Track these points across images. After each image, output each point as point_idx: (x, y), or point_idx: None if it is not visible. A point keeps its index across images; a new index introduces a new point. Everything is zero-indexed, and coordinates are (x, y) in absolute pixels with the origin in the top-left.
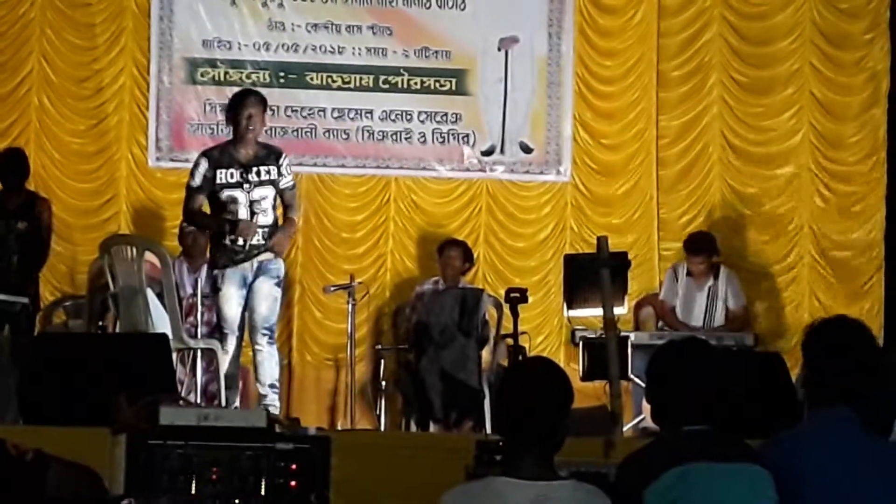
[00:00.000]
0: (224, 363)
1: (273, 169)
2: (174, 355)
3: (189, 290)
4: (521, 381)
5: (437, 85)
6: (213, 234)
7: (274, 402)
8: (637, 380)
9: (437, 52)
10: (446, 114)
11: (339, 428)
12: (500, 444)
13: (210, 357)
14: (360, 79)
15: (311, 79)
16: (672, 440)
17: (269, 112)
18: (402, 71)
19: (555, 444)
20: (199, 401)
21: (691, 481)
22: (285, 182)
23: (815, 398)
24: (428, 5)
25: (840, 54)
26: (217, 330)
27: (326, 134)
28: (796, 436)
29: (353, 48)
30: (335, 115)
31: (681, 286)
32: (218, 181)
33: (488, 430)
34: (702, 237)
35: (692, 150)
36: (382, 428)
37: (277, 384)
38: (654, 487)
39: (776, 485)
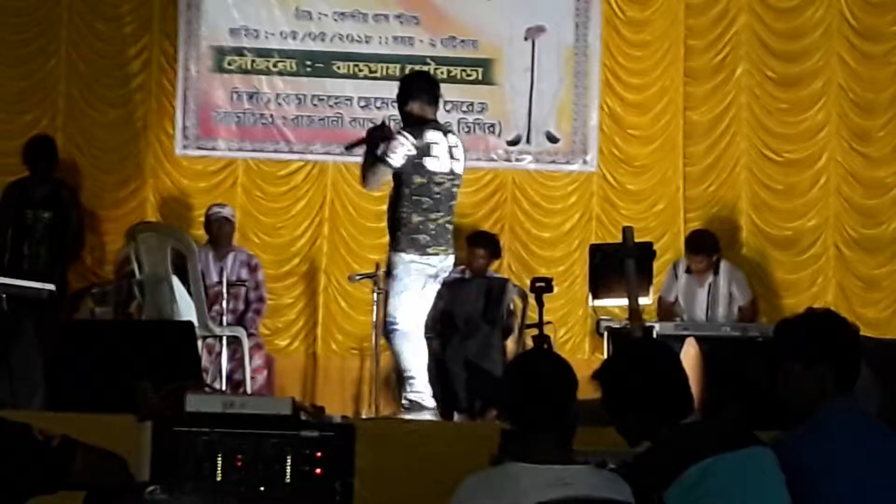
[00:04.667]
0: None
1: None
2: (199, 342)
3: (215, 278)
4: (522, 369)
5: (464, 74)
6: None
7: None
8: None
9: (463, 41)
10: (472, 103)
11: (364, 416)
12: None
13: (235, 345)
14: (387, 68)
15: (338, 68)
16: (679, 437)
17: (295, 101)
18: (428, 60)
19: (566, 429)
20: (224, 388)
21: (712, 476)
22: None
23: (816, 391)
24: None
25: (868, 47)
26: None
27: (353, 123)
28: (815, 428)
29: (380, 37)
30: (361, 104)
31: (681, 283)
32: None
33: None
34: (703, 236)
35: (720, 143)
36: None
37: None
38: (675, 488)
39: (796, 476)
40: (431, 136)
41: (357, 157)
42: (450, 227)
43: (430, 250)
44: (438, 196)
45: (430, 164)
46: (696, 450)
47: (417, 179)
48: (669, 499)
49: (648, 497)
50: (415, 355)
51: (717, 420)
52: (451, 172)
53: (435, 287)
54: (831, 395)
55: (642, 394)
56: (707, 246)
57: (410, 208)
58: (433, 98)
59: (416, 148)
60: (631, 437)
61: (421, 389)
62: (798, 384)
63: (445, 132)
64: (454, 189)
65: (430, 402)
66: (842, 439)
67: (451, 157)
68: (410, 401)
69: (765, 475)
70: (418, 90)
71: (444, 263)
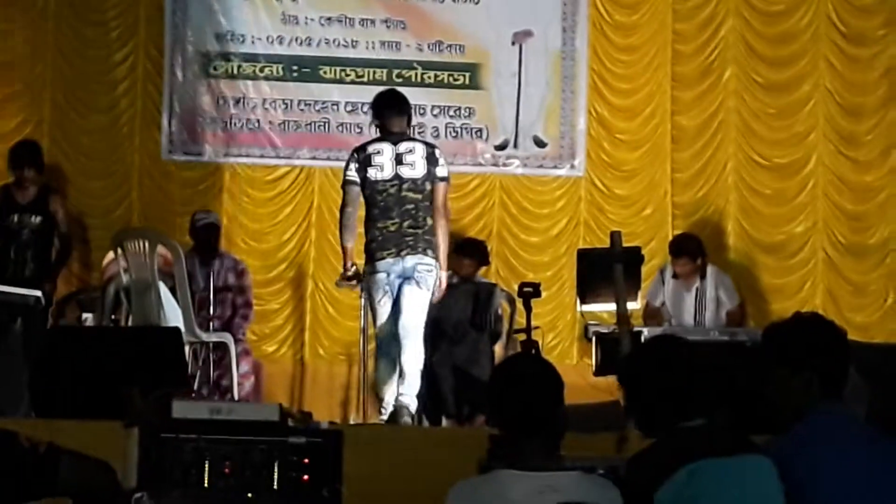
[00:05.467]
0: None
1: None
2: (186, 349)
3: (201, 284)
4: (508, 374)
5: (451, 79)
6: None
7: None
8: None
9: (450, 46)
10: (460, 108)
11: (352, 422)
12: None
13: (222, 351)
14: (374, 73)
15: (325, 73)
16: (675, 439)
17: (282, 106)
18: (415, 65)
19: (555, 434)
20: (211, 394)
21: (701, 479)
22: None
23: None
24: None
25: (855, 51)
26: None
27: (340, 128)
28: (803, 433)
29: (367, 42)
30: (348, 108)
31: (668, 288)
32: None
33: None
34: (684, 239)
35: (708, 147)
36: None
37: None
38: (665, 488)
39: (785, 481)
40: (374, 147)
41: (343, 163)
42: (410, 230)
43: (376, 255)
44: (383, 203)
45: (371, 173)
46: (689, 452)
47: (366, 192)
48: (660, 499)
49: (641, 496)
50: (382, 379)
51: (716, 425)
52: (397, 177)
53: (413, 288)
54: (819, 400)
55: (650, 392)
56: (689, 249)
57: (366, 220)
58: (396, 111)
59: (359, 162)
60: (643, 430)
61: (384, 406)
62: (785, 389)
63: (397, 141)
64: (406, 193)
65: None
66: (829, 444)
67: (399, 162)
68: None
69: (759, 484)
70: (380, 107)
71: (398, 265)
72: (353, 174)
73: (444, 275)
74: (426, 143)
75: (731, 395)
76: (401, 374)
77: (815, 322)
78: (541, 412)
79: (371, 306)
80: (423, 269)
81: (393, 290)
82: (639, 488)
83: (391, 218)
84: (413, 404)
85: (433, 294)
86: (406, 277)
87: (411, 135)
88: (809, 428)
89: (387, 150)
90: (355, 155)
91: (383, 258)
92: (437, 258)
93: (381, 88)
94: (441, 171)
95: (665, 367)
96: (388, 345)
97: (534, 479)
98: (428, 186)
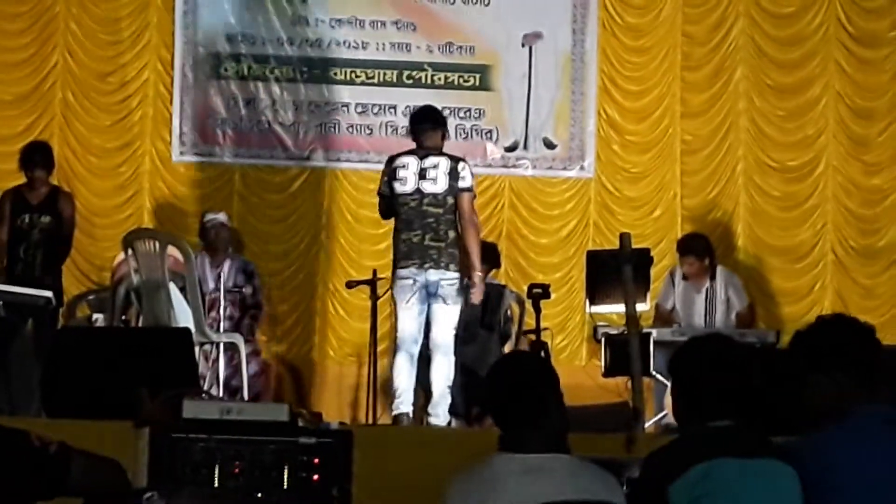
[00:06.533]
0: None
1: None
2: (197, 349)
3: (211, 285)
4: (500, 371)
5: (461, 80)
6: None
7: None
8: (659, 376)
9: (460, 47)
10: (470, 109)
11: (361, 423)
12: None
13: (232, 351)
14: (384, 74)
15: (335, 74)
16: (697, 437)
17: (292, 107)
18: (425, 66)
19: (553, 426)
20: (221, 394)
21: (716, 477)
22: None
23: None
24: (452, 1)
25: (866, 53)
26: None
27: (350, 129)
28: (832, 435)
29: (377, 43)
30: (359, 110)
31: (678, 290)
32: None
33: None
34: (692, 238)
35: (718, 150)
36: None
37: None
38: (679, 484)
39: (811, 483)
40: (400, 160)
41: (354, 164)
42: (433, 243)
43: (401, 263)
44: (405, 216)
45: (396, 186)
46: (707, 450)
47: (392, 203)
48: (674, 492)
49: (656, 491)
50: (398, 370)
51: (741, 427)
52: (418, 191)
53: (440, 306)
54: (857, 399)
55: (697, 388)
56: (696, 247)
57: (393, 229)
58: (429, 126)
59: (387, 174)
60: (679, 422)
61: (398, 406)
62: (818, 393)
63: (425, 156)
64: (426, 207)
65: (406, 414)
66: (865, 443)
67: (423, 177)
68: (393, 416)
69: (775, 489)
70: (414, 122)
71: (422, 276)
72: (382, 187)
73: (479, 276)
74: (452, 158)
75: (745, 397)
76: (428, 394)
77: (839, 323)
78: (534, 404)
79: (395, 308)
80: (447, 285)
81: (420, 294)
82: (654, 483)
83: (413, 230)
84: (442, 420)
85: (469, 301)
86: (432, 294)
87: (444, 150)
88: (850, 425)
89: (412, 164)
90: (386, 167)
91: (407, 266)
92: (459, 271)
93: (391, 90)
94: (463, 183)
95: (717, 366)
96: (409, 345)
97: (524, 459)
98: (450, 200)
